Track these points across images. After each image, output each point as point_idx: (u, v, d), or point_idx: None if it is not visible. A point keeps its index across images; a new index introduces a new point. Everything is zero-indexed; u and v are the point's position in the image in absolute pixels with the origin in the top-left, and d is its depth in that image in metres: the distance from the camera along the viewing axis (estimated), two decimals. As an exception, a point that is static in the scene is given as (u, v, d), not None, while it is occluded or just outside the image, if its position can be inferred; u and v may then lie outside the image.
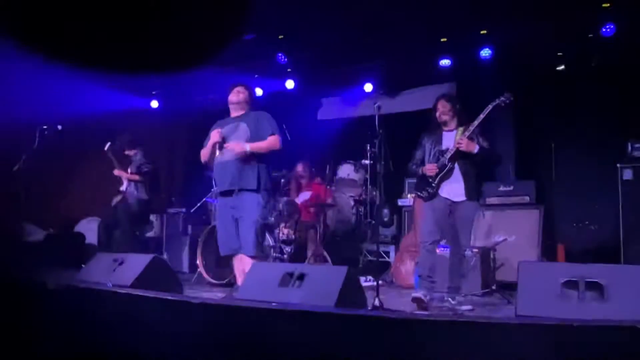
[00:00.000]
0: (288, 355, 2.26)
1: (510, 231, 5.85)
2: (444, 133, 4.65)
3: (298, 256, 5.93)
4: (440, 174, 4.48)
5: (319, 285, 3.00)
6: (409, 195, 6.98)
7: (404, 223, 7.05)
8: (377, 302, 3.99)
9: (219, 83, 5.45)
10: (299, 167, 6.58)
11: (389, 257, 6.91)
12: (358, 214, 6.73)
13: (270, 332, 2.38)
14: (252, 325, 2.47)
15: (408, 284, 5.74)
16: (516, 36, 6.54)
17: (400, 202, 7.13)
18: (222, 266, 5.77)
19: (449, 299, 4.50)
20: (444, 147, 4.56)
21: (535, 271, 2.85)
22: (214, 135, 4.43)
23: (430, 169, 4.52)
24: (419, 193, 4.63)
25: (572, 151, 6.62)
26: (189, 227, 7.60)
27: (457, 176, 4.48)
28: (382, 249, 6.60)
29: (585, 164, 6.57)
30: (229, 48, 1.00)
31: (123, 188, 6.34)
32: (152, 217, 7.57)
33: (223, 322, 2.54)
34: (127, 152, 6.46)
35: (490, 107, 4.44)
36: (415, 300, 4.31)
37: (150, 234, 7.58)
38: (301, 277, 3.08)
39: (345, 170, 6.84)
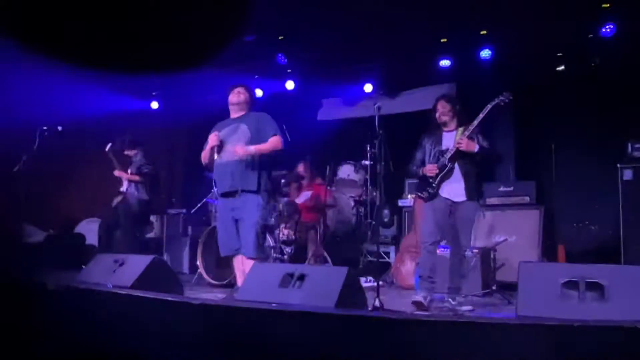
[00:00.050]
0: (288, 356, 2.26)
1: (510, 231, 5.85)
2: (443, 134, 4.64)
3: (298, 257, 5.93)
4: (441, 174, 4.48)
5: (319, 286, 3.00)
6: (409, 196, 6.98)
7: (404, 223, 7.05)
8: (377, 303, 3.99)
9: (219, 84, 5.45)
10: (300, 167, 6.58)
11: (389, 257, 6.91)
12: (358, 214, 6.73)
13: (270, 333, 2.38)
14: (252, 326, 2.47)
15: (408, 284, 5.73)
16: (516, 36, 6.54)
17: (400, 203, 7.13)
18: (222, 267, 5.77)
19: (449, 299, 4.50)
20: (444, 147, 4.56)
21: (535, 271, 2.85)
22: (212, 139, 4.43)
23: (430, 169, 4.51)
24: (419, 193, 4.63)
25: (572, 151, 6.62)
26: (189, 228, 7.61)
27: (457, 176, 4.47)
28: (382, 249, 6.59)
29: (585, 164, 6.57)
30: (229, 49, 1.00)
31: (123, 189, 6.34)
32: (153, 218, 7.57)
33: (223, 323, 2.54)
34: (127, 153, 6.46)
35: (489, 106, 4.44)
36: (415, 303, 4.31)
37: (150, 235, 7.58)
38: (301, 277, 3.08)
39: (346, 171, 6.85)
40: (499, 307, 4.80)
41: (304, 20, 6.56)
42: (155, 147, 8.01)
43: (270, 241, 5.60)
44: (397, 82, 7.87)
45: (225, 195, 4.41)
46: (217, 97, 5.09)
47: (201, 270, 6.12)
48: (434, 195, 4.51)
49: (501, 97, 4.45)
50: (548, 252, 5.84)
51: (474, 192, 4.48)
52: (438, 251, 4.61)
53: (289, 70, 8.12)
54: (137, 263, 3.91)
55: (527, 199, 6.14)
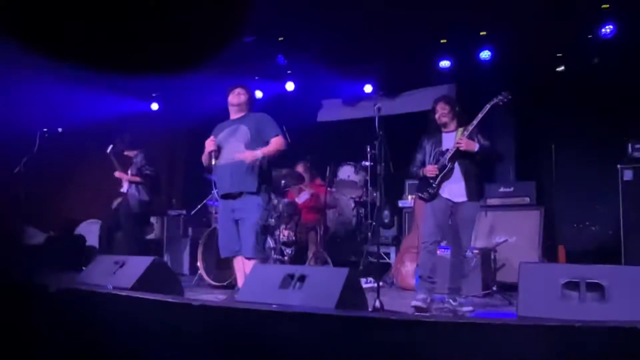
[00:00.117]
0: (289, 357, 2.26)
1: (510, 232, 5.85)
2: (443, 134, 4.64)
3: (298, 258, 5.93)
4: (441, 175, 4.47)
5: (320, 287, 3.00)
6: (409, 197, 6.98)
7: (405, 224, 7.05)
8: (377, 304, 3.98)
9: (219, 85, 5.45)
10: (299, 167, 6.58)
11: (389, 258, 6.91)
12: (358, 215, 6.73)
13: (270, 334, 2.38)
14: (252, 327, 2.47)
15: (409, 285, 5.73)
16: (516, 37, 6.55)
17: (400, 204, 7.14)
18: (222, 268, 5.76)
19: (450, 300, 4.50)
20: (444, 148, 4.56)
21: (536, 272, 2.84)
22: (209, 145, 4.43)
23: (430, 170, 4.51)
24: (419, 194, 4.63)
25: (573, 152, 6.62)
26: (190, 229, 7.61)
27: (457, 176, 4.47)
28: (382, 250, 6.60)
29: (585, 165, 6.57)
30: (229, 50, 1.00)
31: (124, 190, 6.34)
32: (153, 219, 7.57)
33: (224, 324, 2.54)
34: (127, 153, 6.44)
35: (488, 106, 4.44)
36: (416, 308, 4.30)
37: (150, 236, 7.58)
38: (302, 278, 3.08)
39: (346, 172, 6.84)
40: (499, 307, 4.80)
41: (304, 21, 6.57)
42: (156, 148, 8.01)
43: (270, 242, 5.60)
44: (397, 83, 7.88)
45: (225, 196, 4.42)
46: (217, 98, 5.09)
47: (201, 271, 6.12)
48: (434, 195, 4.51)
49: (500, 97, 4.45)
50: (548, 253, 5.84)
51: (475, 192, 4.47)
52: (438, 252, 4.61)
53: (289, 72, 8.13)
54: (138, 264, 3.90)
55: (527, 199, 6.14)
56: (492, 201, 6.21)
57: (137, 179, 6.28)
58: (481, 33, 6.79)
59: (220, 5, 0.92)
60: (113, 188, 6.54)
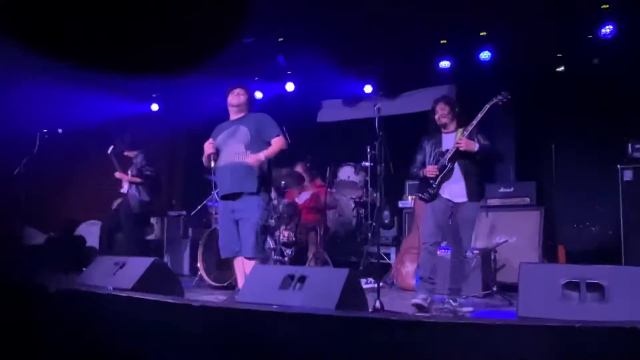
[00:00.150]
0: (289, 357, 2.26)
1: (510, 232, 5.85)
2: (443, 135, 4.64)
3: (299, 258, 5.93)
4: (441, 175, 4.47)
5: (320, 288, 3.00)
6: (409, 197, 6.98)
7: (405, 225, 7.05)
8: (378, 304, 3.98)
9: (219, 86, 5.45)
10: (298, 168, 6.58)
11: (389, 259, 6.91)
12: (359, 216, 6.73)
13: (271, 335, 2.38)
14: (252, 328, 2.46)
15: (409, 286, 5.73)
16: (516, 37, 6.55)
17: (400, 204, 7.13)
18: (222, 269, 5.76)
19: (450, 300, 4.49)
20: (444, 149, 4.56)
21: (536, 272, 2.84)
22: (207, 148, 4.44)
23: (430, 170, 4.51)
24: (420, 195, 4.62)
25: (573, 152, 6.63)
26: (190, 230, 7.61)
27: (457, 176, 4.47)
28: (382, 250, 6.60)
29: (585, 165, 6.57)
30: (229, 50, 1.00)
31: (124, 190, 6.33)
32: (153, 220, 7.57)
33: (224, 325, 2.54)
34: (127, 154, 6.44)
35: (487, 106, 4.45)
36: (416, 306, 4.30)
37: (151, 237, 7.58)
38: (302, 279, 3.08)
39: (346, 172, 6.84)
40: (499, 308, 4.80)
41: (303, 22, 6.57)
42: (156, 149, 8.01)
43: (270, 243, 5.60)
44: (397, 84, 7.88)
45: (225, 197, 4.42)
46: (217, 99, 5.10)
47: (202, 272, 6.12)
48: (435, 196, 4.51)
49: (499, 97, 4.45)
50: (548, 253, 5.84)
51: (475, 192, 4.47)
52: (438, 252, 4.60)
53: (288, 72, 8.13)
54: (138, 265, 3.90)
55: (527, 199, 6.14)
56: (492, 201, 6.21)
57: (138, 179, 6.27)
58: (481, 33, 6.79)
59: (220, 6, 0.92)
60: (113, 189, 6.54)
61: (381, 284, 4.53)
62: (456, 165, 4.47)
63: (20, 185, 6.03)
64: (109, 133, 6.77)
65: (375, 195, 5.90)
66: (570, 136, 6.63)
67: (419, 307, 4.28)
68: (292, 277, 3.12)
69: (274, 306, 2.74)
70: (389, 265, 6.66)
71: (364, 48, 7.17)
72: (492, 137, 4.63)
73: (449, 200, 4.48)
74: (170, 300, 2.82)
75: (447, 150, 4.49)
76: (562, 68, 6.82)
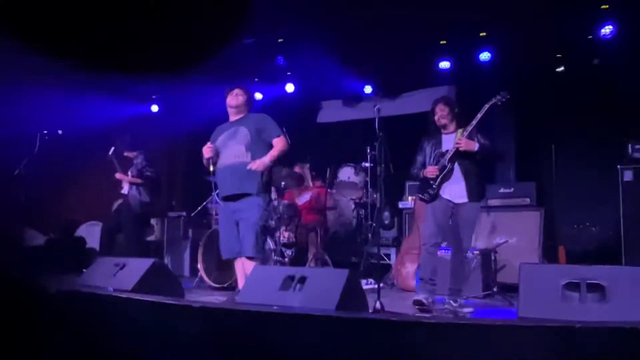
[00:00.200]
0: (289, 358, 2.26)
1: (511, 233, 5.85)
2: (443, 136, 4.65)
3: (299, 259, 5.92)
4: (441, 176, 4.48)
5: (320, 289, 3.00)
6: (409, 198, 6.98)
7: (405, 225, 7.05)
8: (378, 305, 3.98)
9: (219, 86, 5.46)
10: (296, 168, 6.58)
11: (389, 259, 6.91)
12: (359, 216, 6.73)
13: (271, 336, 2.38)
14: (253, 329, 2.46)
15: (409, 286, 5.73)
16: (515, 38, 6.55)
17: (401, 205, 7.13)
18: (223, 270, 5.76)
19: (450, 301, 4.49)
20: (444, 149, 4.56)
21: (536, 273, 2.84)
22: (206, 152, 4.43)
23: (431, 171, 4.51)
24: (420, 196, 4.63)
25: (573, 153, 6.63)
26: (190, 231, 7.61)
27: (457, 177, 4.47)
28: (383, 251, 6.59)
29: (585, 166, 6.57)
30: (229, 51, 1.00)
31: (124, 191, 6.33)
32: (153, 221, 7.56)
33: (224, 326, 2.54)
34: (126, 154, 6.43)
35: (486, 106, 4.45)
36: (416, 302, 4.30)
37: (151, 238, 7.57)
38: (302, 280, 3.08)
39: (346, 173, 6.84)
40: (500, 308, 4.80)
41: (303, 23, 6.57)
42: (156, 150, 8.02)
43: (270, 244, 5.60)
44: (397, 84, 7.88)
45: (226, 198, 4.42)
46: (217, 100, 5.10)
47: (202, 273, 6.11)
48: (435, 196, 4.51)
49: (498, 97, 4.46)
50: (549, 254, 5.84)
51: (476, 192, 4.46)
52: (439, 253, 4.60)
53: (288, 73, 8.13)
54: (138, 266, 3.90)
55: (527, 200, 6.14)
56: (492, 202, 6.21)
57: (138, 180, 6.27)
58: (481, 34, 6.79)
59: (220, 6, 0.92)
60: (113, 190, 6.53)
61: (381, 284, 4.53)
62: (456, 165, 4.47)
63: (20, 186, 6.03)
64: (109, 134, 6.77)
65: (375, 195, 5.91)
66: (570, 136, 6.63)
67: (419, 303, 4.27)
68: (292, 277, 3.12)
69: (274, 307, 2.74)
70: (389, 266, 6.66)
71: (363, 48, 7.16)
72: (492, 137, 4.63)
73: (450, 201, 4.48)
74: (170, 301, 2.82)
75: (447, 151, 4.50)
76: (562, 68, 6.83)
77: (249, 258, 4.21)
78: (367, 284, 5.61)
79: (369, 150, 5.66)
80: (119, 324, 2.76)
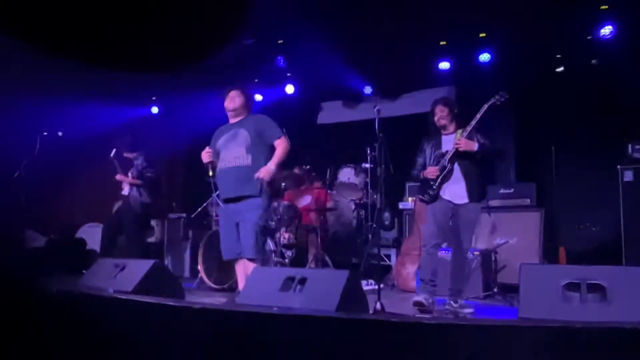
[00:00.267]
0: (289, 359, 2.25)
1: (511, 233, 5.85)
2: (443, 137, 4.65)
3: (299, 260, 5.92)
4: (441, 176, 4.48)
5: (320, 290, 2.99)
6: (409, 199, 6.98)
7: (405, 226, 7.05)
8: (378, 306, 3.98)
9: (218, 87, 5.46)
10: (296, 170, 6.58)
11: (390, 260, 6.91)
12: (359, 217, 6.73)
13: (271, 337, 2.37)
14: (253, 330, 2.46)
15: (409, 287, 5.73)
16: (515, 38, 6.56)
17: (401, 206, 7.13)
18: (223, 271, 5.76)
19: (451, 302, 4.49)
20: (443, 150, 4.56)
21: (536, 273, 2.84)
22: (204, 157, 4.43)
23: (431, 171, 4.51)
24: (420, 196, 4.63)
25: (573, 153, 6.62)
26: (190, 232, 7.61)
27: (457, 177, 4.47)
28: (383, 252, 6.59)
29: (585, 166, 6.57)
30: (229, 52, 1.00)
31: (125, 192, 6.33)
32: (153, 223, 7.57)
33: (224, 327, 2.53)
34: (127, 155, 6.43)
35: (485, 106, 4.45)
36: (417, 303, 4.30)
37: (151, 239, 7.57)
38: (302, 281, 3.07)
39: (346, 174, 6.84)
40: (500, 308, 4.79)
41: (303, 24, 6.57)
42: (156, 151, 8.02)
43: (271, 245, 5.60)
44: (397, 85, 7.88)
45: (227, 200, 4.42)
46: (217, 101, 5.10)
47: (202, 274, 6.11)
48: (435, 197, 4.51)
49: (497, 97, 4.46)
50: (549, 254, 5.84)
51: (476, 193, 4.47)
52: (439, 253, 4.61)
53: (288, 74, 8.13)
54: (138, 268, 3.90)
55: (527, 200, 6.14)
56: (492, 202, 6.21)
57: (138, 181, 6.27)
58: (480, 35, 6.79)
59: (220, 6, 0.92)
60: (113, 191, 6.53)
61: (382, 285, 4.53)
62: (456, 166, 4.47)
63: (21, 188, 6.03)
64: (109, 135, 6.77)
65: (375, 196, 5.90)
66: (570, 137, 6.62)
67: (420, 304, 4.27)
68: (292, 279, 3.12)
69: (275, 308, 2.74)
70: (389, 267, 6.66)
71: (363, 49, 7.17)
72: (492, 137, 4.63)
73: (450, 202, 4.48)
74: (170, 303, 2.81)
75: (447, 152, 4.50)
76: (561, 69, 6.83)
77: (250, 259, 4.21)
78: (368, 285, 5.61)
79: (369, 151, 5.65)
80: (119, 326, 2.76)
